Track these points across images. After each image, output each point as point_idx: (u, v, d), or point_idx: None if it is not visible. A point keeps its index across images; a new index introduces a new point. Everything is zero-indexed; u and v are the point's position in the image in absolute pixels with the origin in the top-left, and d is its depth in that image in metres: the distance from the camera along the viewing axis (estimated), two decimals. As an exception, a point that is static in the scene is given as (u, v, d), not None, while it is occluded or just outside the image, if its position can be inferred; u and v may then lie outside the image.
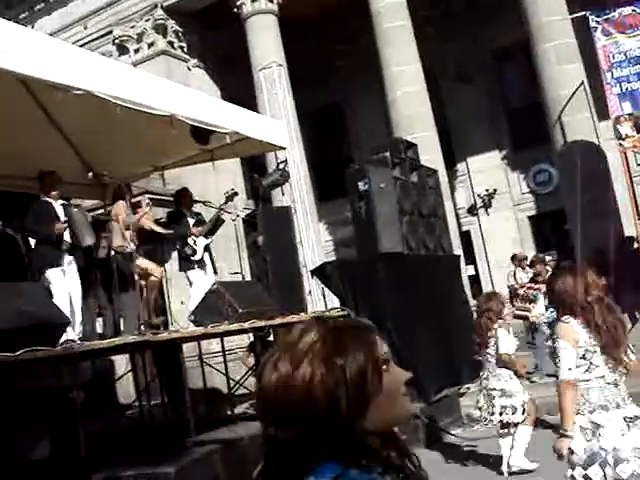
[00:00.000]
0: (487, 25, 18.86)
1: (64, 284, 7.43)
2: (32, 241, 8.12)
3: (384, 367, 1.32)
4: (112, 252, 8.55)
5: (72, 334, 6.71)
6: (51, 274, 7.39)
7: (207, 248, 9.32)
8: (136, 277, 8.68)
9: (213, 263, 9.50)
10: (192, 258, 9.08)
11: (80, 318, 7.50)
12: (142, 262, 8.75)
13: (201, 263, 9.20)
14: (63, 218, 7.59)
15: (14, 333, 4.96)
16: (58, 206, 7.73)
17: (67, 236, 7.55)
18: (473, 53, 19.49)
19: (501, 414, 6.57)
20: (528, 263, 12.12)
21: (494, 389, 6.70)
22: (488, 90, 19.53)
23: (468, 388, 9.74)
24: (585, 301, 3.80)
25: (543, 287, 10.81)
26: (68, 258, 7.58)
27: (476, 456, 7.56)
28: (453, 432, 8.77)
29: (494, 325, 6.67)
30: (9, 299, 5.25)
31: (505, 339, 6.64)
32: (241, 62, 17.21)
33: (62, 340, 5.91)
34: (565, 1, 14.83)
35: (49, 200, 7.70)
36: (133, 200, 9.68)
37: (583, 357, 3.75)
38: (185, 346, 7.68)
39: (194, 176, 13.94)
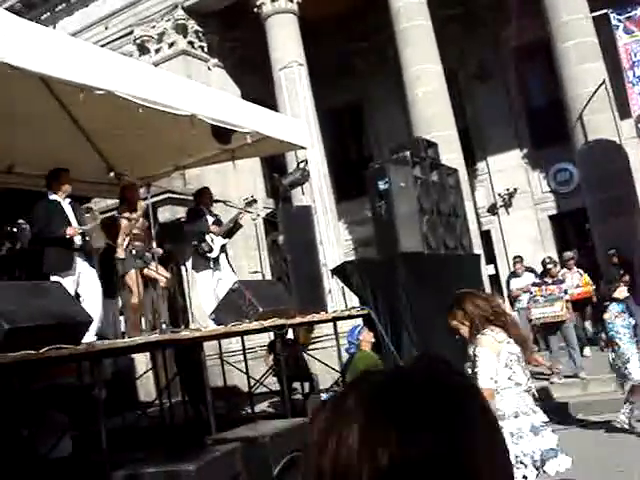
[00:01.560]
0: (507, 24, 18.78)
1: (75, 284, 7.29)
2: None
3: None
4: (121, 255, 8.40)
5: (88, 334, 6.69)
6: (61, 277, 7.11)
7: (224, 249, 9.32)
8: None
9: (230, 263, 9.50)
10: (208, 255, 9.06)
11: (98, 317, 7.42)
12: (150, 273, 8.56)
13: (216, 262, 9.18)
14: (72, 217, 7.45)
15: (38, 331, 5.01)
16: (66, 205, 7.54)
17: (78, 237, 7.37)
18: (493, 52, 19.41)
19: None
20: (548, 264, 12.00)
21: None
22: (508, 89, 19.43)
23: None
24: (501, 315, 4.20)
25: (556, 288, 10.77)
26: (80, 259, 7.40)
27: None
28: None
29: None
30: (33, 298, 5.30)
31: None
32: (261, 61, 17.25)
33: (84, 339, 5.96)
34: (586, -1, 14.75)
35: (57, 199, 7.50)
36: (154, 200, 9.70)
37: (506, 365, 4.05)
38: (205, 344, 7.72)
39: (214, 175, 14.01)
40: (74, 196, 7.86)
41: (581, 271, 13.42)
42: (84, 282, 7.33)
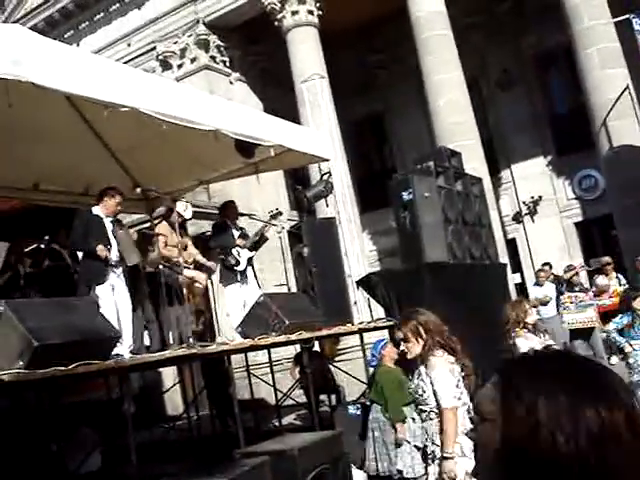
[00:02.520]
0: (529, 30, 18.73)
1: (111, 299, 7.36)
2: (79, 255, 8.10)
3: None
4: (160, 266, 8.55)
5: (122, 348, 6.75)
6: (98, 289, 7.26)
7: (250, 262, 9.37)
8: (185, 290, 8.71)
9: (256, 277, 9.54)
10: (235, 268, 9.12)
11: (130, 332, 7.50)
12: (188, 272, 8.78)
13: (243, 275, 9.23)
14: (111, 236, 7.52)
15: (67, 347, 5.04)
16: (108, 223, 7.63)
17: (114, 253, 7.46)
18: (515, 59, 19.35)
19: None
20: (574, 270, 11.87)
21: None
22: (531, 96, 19.35)
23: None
24: (451, 340, 4.42)
25: (585, 295, 10.68)
26: (115, 272, 7.48)
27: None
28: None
29: (512, 334, 6.60)
30: (61, 314, 5.34)
31: (525, 346, 6.56)
32: (282, 75, 17.32)
33: (113, 354, 6.00)
34: (608, 4, 14.65)
35: (100, 214, 7.60)
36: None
37: (457, 385, 4.27)
38: (232, 357, 7.74)
39: (238, 188, 14.05)
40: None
41: (620, 276, 13.10)
42: (117, 297, 7.41)
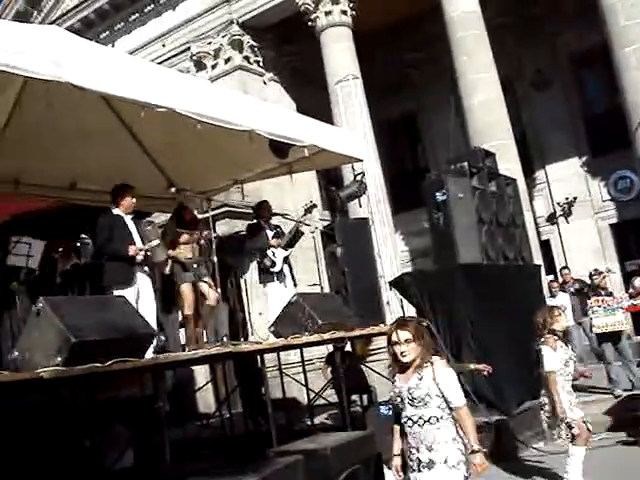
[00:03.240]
0: (564, 30, 18.57)
1: (133, 298, 7.29)
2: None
3: None
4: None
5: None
6: (120, 289, 7.13)
7: (286, 260, 9.40)
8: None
9: (292, 275, 9.57)
10: (271, 270, 9.17)
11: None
12: (203, 286, 8.59)
13: (280, 275, 9.27)
14: (135, 233, 7.44)
15: (103, 344, 5.10)
16: (129, 221, 7.53)
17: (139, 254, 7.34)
18: (550, 58, 19.20)
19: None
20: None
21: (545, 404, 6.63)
22: (566, 95, 19.17)
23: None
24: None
25: (611, 299, 10.54)
26: (141, 271, 7.41)
27: (546, 473, 7.42)
28: (535, 445, 8.62)
29: (541, 339, 6.56)
30: (98, 311, 5.40)
31: (550, 355, 6.52)
32: (315, 74, 17.35)
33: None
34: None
35: (120, 214, 7.49)
36: (212, 213, 9.78)
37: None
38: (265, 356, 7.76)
39: (271, 188, 14.11)
40: (135, 211, 7.91)
41: None
42: (142, 296, 7.38)
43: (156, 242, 7.56)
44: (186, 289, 8.22)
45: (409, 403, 4.13)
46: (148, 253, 7.45)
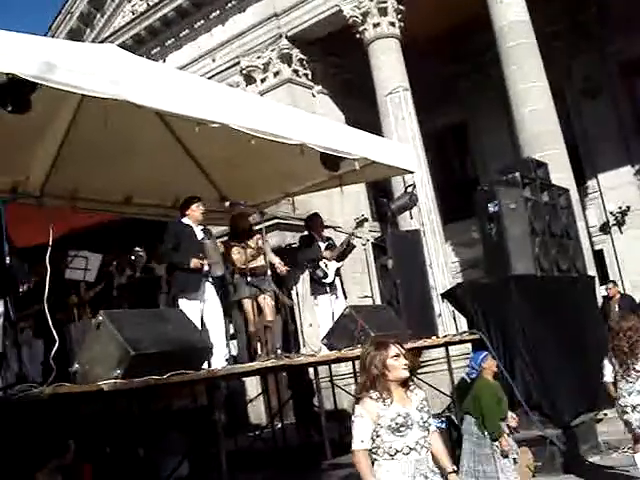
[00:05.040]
0: (615, 38, 18.32)
1: (199, 309, 7.39)
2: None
3: None
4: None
5: (216, 358, 6.84)
6: (187, 300, 7.31)
7: (337, 272, 9.43)
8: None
9: (343, 287, 9.60)
10: (324, 281, 9.21)
11: (224, 342, 7.57)
12: (263, 300, 8.57)
13: (332, 287, 9.31)
14: (204, 246, 7.57)
15: (161, 357, 5.18)
16: (199, 231, 7.69)
17: (205, 265, 7.49)
18: (600, 67, 18.94)
19: None
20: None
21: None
22: (617, 104, 18.89)
23: (605, 414, 9.38)
24: None
25: None
26: (208, 282, 7.55)
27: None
28: (590, 459, 8.49)
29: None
30: (156, 324, 5.49)
31: (607, 367, 6.50)
32: (364, 86, 17.37)
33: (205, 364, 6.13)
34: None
35: (190, 223, 7.66)
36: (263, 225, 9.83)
37: None
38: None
39: (320, 200, 14.15)
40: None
41: None
42: (209, 308, 7.50)
43: (218, 258, 7.67)
44: (247, 304, 8.33)
45: (419, 425, 3.64)
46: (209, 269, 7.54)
